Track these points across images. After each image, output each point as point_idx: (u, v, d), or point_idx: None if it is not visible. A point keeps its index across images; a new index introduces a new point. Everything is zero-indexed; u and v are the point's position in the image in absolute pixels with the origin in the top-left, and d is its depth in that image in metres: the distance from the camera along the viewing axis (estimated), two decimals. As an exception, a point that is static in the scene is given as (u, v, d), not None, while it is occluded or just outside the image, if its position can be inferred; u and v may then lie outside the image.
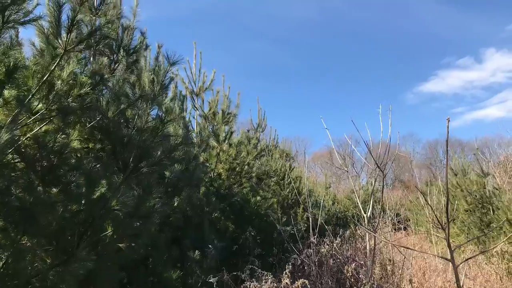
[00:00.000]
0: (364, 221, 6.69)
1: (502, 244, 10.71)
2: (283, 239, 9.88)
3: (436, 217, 3.93)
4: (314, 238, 9.10)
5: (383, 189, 6.97)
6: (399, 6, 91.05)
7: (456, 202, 15.37)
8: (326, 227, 10.57)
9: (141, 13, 5.54)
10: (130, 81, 4.78)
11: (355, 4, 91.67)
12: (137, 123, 4.11)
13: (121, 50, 5.34)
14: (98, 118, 4.18)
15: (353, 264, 8.20)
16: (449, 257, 3.51)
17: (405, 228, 23.09)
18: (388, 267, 9.43)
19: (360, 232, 14.15)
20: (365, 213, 6.74)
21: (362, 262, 9.40)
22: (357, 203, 7.62)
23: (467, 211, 15.36)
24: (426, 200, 9.31)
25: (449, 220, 3.47)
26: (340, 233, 13.01)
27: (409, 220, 23.88)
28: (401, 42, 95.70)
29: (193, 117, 11.40)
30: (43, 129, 3.62)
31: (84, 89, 3.71)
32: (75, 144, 3.76)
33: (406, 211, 25.55)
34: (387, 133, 6.19)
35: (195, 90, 11.71)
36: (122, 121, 4.37)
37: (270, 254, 9.94)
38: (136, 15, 5.49)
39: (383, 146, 6.66)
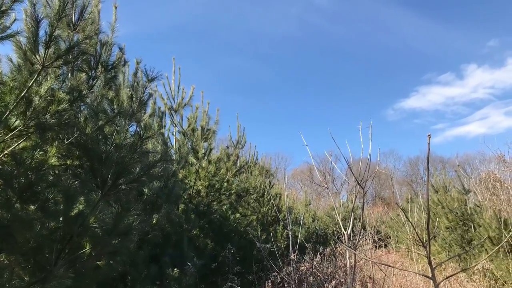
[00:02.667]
0: (344, 238, 6.70)
1: (483, 261, 10.79)
2: (262, 256, 9.86)
3: (417, 234, 3.95)
4: (294, 255, 9.08)
5: (363, 206, 6.98)
6: (379, 22, 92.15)
7: (437, 219, 15.46)
8: (306, 244, 10.57)
9: (119, 29, 5.52)
10: (109, 97, 4.76)
11: (335, 20, 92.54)
12: (115, 139, 4.09)
13: (99, 66, 5.33)
14: (76, 135, 4.15)
15: (333, 282, 8.22)
16: (430, 274, 3.52)
17: (385, 246, 23.17)
18: (369, 285, 9.45)
19: (341, 250, 14.16)
20: (345, 230, 6.74)
21: (342, 280, 9.41)
22: (337, 220, 7.63)
23: (448, 228, 15.45)
24: (407, 217, 9.35)
25: (430, 238, 3.48)
26: (321, 250, 13.00)
27: (390, 237, 23.97)
28: (381, 58, 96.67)
29: (172, 134, 11.35)
30: (20, 145, 3.59)
31: (62, 106, 3.68)
32: (53, 160, 3.73)
33: (387, 228, 25.66)
34: (368, 150, 6.22)
35: (174, 106, 11.67)
36: (100, 137, 4.34)
37: (250, 271, 9.90)
38: (115, 30, 5.47)
39: (363, 163, 6.69)
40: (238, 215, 10.91)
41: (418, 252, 9.43)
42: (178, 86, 11.83)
